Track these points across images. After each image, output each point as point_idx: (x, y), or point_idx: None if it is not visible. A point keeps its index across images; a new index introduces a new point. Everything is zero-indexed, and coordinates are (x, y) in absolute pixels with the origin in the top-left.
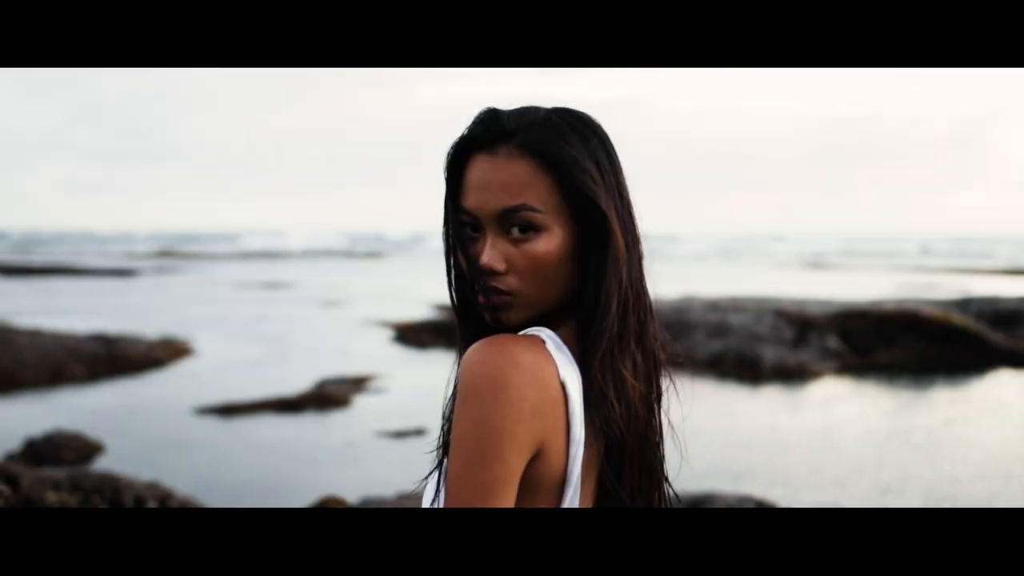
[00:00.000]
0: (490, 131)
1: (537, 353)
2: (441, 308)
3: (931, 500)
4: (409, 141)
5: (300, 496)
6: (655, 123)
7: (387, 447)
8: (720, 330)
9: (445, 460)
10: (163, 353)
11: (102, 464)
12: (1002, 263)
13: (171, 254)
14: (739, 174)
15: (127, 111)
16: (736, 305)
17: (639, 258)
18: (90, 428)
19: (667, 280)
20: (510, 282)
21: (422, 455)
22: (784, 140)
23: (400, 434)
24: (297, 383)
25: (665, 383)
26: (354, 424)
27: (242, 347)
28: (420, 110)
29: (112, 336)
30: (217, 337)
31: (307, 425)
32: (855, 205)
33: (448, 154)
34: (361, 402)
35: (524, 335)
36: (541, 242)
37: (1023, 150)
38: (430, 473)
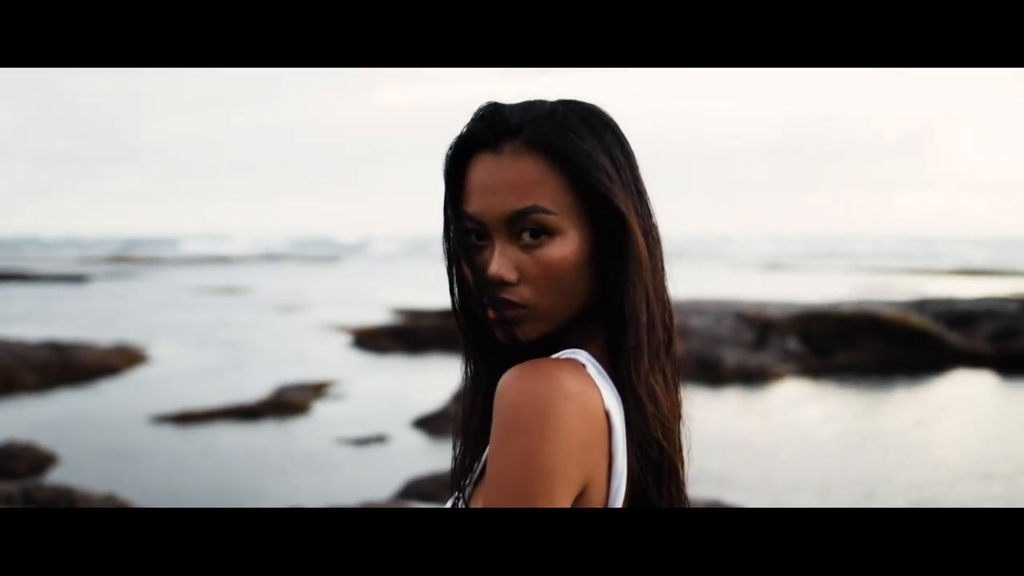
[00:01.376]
0: (492, 127)
1: (583, 381)
2: (400, 312)
3: (901, 502)
4: (364, 143)
5: (261, 506)
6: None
7: (348, 455)
8: (680, 332)
9: (470, 493)
10: (118, 360)
11: (56, 476)
12: (953, 263)
13: (125, 259)
14: (696, 175)
15: (85, 114)
16: (696, 307)
17: (661, 260)
18: (43, 438)
19: None
20: (523, 293)
21: (384, 463)
22: (741, 142)
23: (361, 441)
24: (255, 390)
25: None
26: (314, 431)
27: (198, 353)
28: (377, 112)
29: (65, 343)
30: (173, 343)
31: (266, 433)
32: (810, 206)
33: (447, 155)
34: (321, 408)
35: (564, 359)
36: (556, 247)
37: (972, 153)
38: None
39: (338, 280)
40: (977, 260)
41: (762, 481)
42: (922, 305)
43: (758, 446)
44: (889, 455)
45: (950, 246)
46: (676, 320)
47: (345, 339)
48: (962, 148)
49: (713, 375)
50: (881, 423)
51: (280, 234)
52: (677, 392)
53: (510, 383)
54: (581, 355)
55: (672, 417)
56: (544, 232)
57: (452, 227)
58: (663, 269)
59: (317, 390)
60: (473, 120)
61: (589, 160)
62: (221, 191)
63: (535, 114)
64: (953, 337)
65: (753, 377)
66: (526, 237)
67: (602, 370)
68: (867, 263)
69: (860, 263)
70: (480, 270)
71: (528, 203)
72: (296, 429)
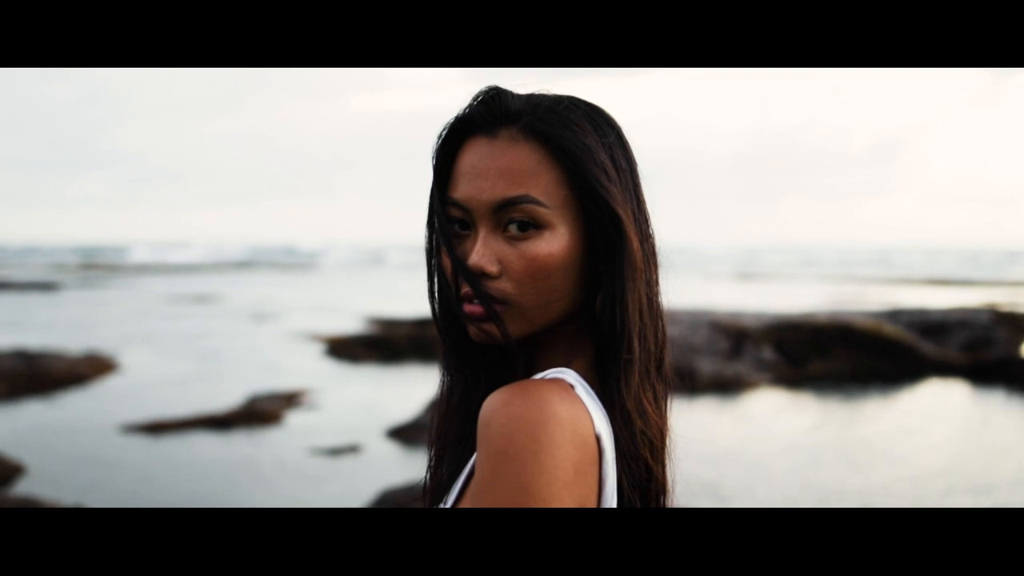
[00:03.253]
0: (491, 110)
1: (573, 404)
2: (373, 321)
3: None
4: (338, 150)
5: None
6: None
7: (322, 465)
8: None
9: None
10: (87, 369)
11: (23, 487)
12: (924, 273)
13: (95, 267)
14: (668, 186)
15: (54, 120)
16: (671, 316)
17: (656, 272)
18: (10, 448)
19: None
20: (503, 288)
21: (358, 473)
22: (712, 152)
23: (335, 451)
24: (228, 399)
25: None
26: (287, 441)
27: (170, 362)
28: (352, 119)
29: (33, 352)
30: (144, 352)
31: (238, 443)
32: (782, 216)
33: (439, 135)
34: (294, 418)
35: (552, 380)
36: (543, 242)
37: (941, 163)
38: None
39: (310, 289)
40: (948, 270)
41: (741, 490)
42: (895, 315)
43: (737, 455)
44: (866, 464)
45: (920, 256)
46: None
47: (318, 348)
48: (932, 158)
49: (689, 384)
50: (857, 432)
51: (252, 241)
52: (666, 410)
53: (498, 408)
54: (569, 375)
55: (660, 435)
56: (532, 225)
57: (436, 214)
58: (657, 282)
59: (290, 399)
60: (472, 102)
61: (589, 156)
62: (192, 198)
63: (538, 102)
64: (926, 347)
65: (728, 386)
66: (513, 229)
67: (590, 390)
68: (839, 272)
69: (832, 272)
70: (460, 260)
71: (519, 192)
72: (269, 439)
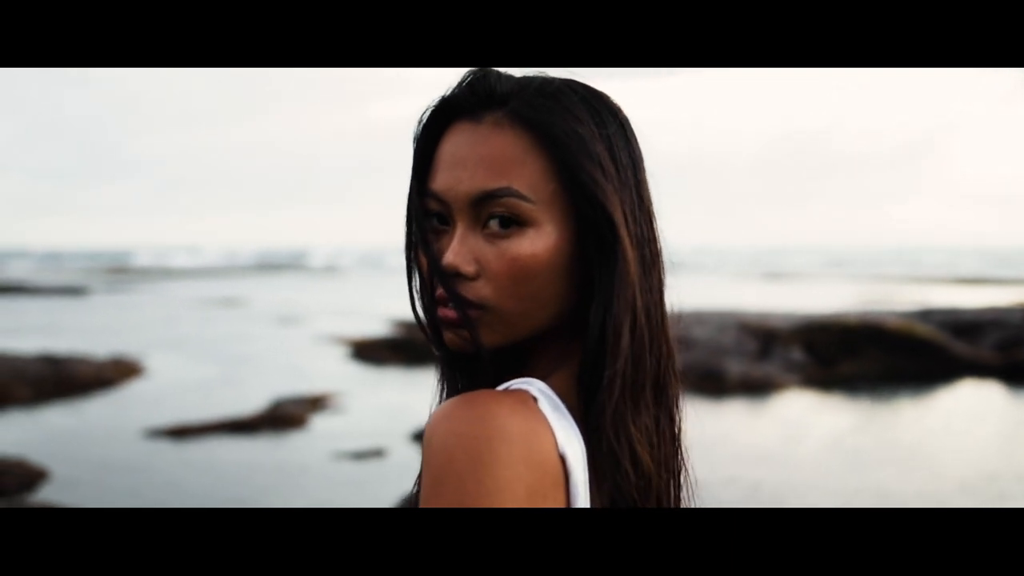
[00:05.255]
0: (476, 93)
1: (530, 417)
2: (399, 324)
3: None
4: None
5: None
6: None
7: (346, 469)
8: (682, 343)
9: None
10: (113, 373)
11: (46, 493)
12: (955, 273)
13: (123, 271)
14: (693, 186)
15: (80, 128)
16: (699, 318)
17: (659, 281)
18: (35, 453)
19: None
20: (481, 291)
21: (382, 477)
22: (737, 152)
23: (359, 455)
24: (252, 403)
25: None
26: (311, 445)
27: (195, 366)
28: (371, 126)
29: (60, 356)
30: (170, 356)
31: (263, 447)
32: (810, 216)
33: (419, 121)
34: (319, 422)
35: (510, 391)
36: (526, 241)
37: (971, 163)
38: None
39: (332, 292)
40: (978, 269)
41: (786, 493)
42: (927, 314)
43: (775, 457)
44: (900, 466)
45: (949, 256)
46: (677, 350)
47: (343, 351)
48: (961, 158)
49: (716, 386)
50: (890, 434)
51: (271, 245)
52: (674, 442)
53: (438, 422)
54: (534, 385)
55: (658, 470)
56: (515, 222)
57: (412, 206)
58: (661, 291)
59: (315, 403)
60: (457, 84)
61: (582, 146)
62: (212, 204)
63: (528, 85)
64: (959, 347)
65: (757, 387)
66: (493, 225)
67: (559, 404)
68: (869, 272)
69: (861, 272)
70: (434, 258)
71: (500, 184)
72: (293, 443)
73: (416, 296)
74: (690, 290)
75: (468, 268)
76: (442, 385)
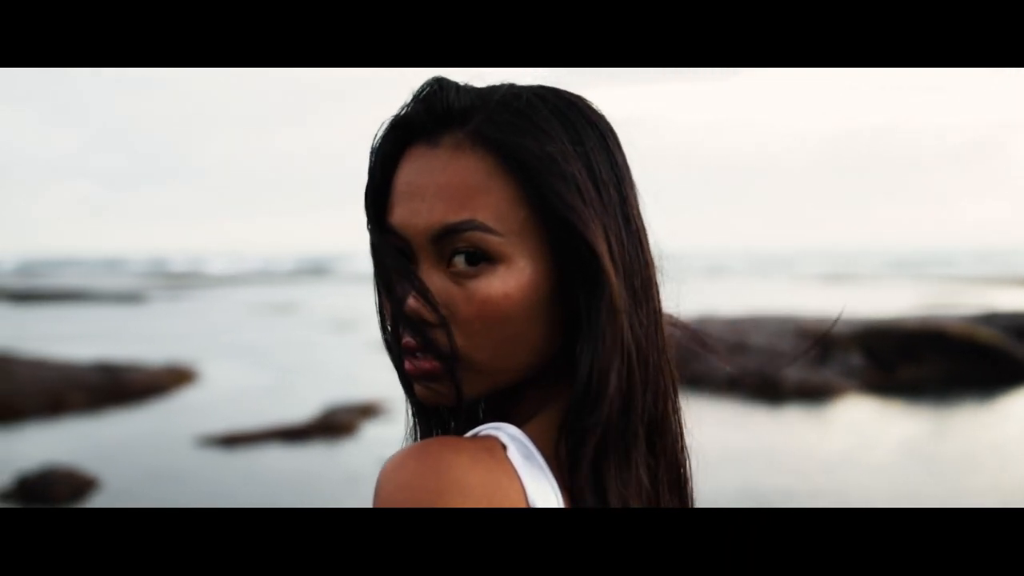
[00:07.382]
0: (431, 110)
1: (494, 468)
2: None
3: None
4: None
5: None
6: (667, 138)
7: None
8: (739, 349)
9: None
10: (167, 380)
11: (96, 501)
12: (1020, 274)
13: (180, 277)
14: (755, 187)
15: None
16: (756, 324)
17: (654, 313)
18: (87, 460)
19: (683, 297)
20: (448, 339)
21: None
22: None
23: None
24: (304, 410)
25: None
26: (362, 453)
27: (249, 373)
28: None
29: (115, 364)
30: (224, 363)
31: (313, 455)
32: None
33: (372, 147)
34: (370, 429)
35: (475, 438)
36: (497, 279)
37: None
38: None
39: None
40: None
41: (858, 500)
42: (990, 318)
43: (844, 464)
44: (985, 473)
45: (1017, 257)
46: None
47: None
48: None
49: (773, 392)
50: (954, 442)
51: (324, 250)
52: (679, 493)
53: (389, 473)
54: (505, 431)
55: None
56: (483, 258)
57: (371, 244)
58: (657, 321)
59: (365, 411)
60: (411, 100)
61: (552, 167)
62: (253, 209)
63: (491, 98)
64: (1023, 352)
65: (815, 393)
66: (459, 263)
67: (533, 452)
68: (932, 273)
69: (925, 273)
70: (398, 303)
71: (462, 216)
72: (343, 451)
73: (388, 342)
74: (748, 294)
75: (431, 314)
76: (414, 435)
